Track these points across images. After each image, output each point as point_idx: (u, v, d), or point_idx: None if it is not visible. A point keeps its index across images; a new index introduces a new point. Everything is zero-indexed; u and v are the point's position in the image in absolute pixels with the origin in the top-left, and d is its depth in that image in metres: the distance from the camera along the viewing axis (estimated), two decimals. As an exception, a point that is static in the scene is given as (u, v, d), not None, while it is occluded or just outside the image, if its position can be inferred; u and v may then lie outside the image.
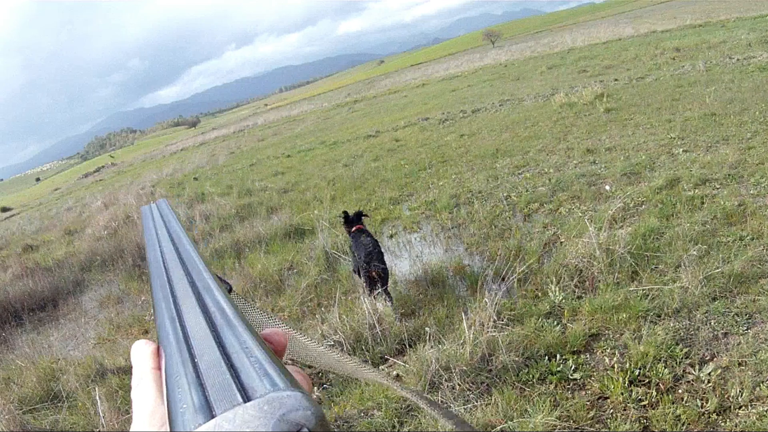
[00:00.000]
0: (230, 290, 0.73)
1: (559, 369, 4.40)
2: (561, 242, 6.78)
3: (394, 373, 4.96)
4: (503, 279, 6.10)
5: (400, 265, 7.77)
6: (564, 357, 4.55)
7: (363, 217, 7.15)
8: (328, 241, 8.77)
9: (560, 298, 5.43)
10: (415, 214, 9.66)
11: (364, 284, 6.30)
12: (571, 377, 4.32)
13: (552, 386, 4.26)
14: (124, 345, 7.52)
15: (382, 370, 5.14)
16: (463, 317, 4.99)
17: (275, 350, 0.56)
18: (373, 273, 6.16)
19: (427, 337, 5.05)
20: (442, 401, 4.30)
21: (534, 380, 4.37)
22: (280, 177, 18.06)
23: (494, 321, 4.99)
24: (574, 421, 3.86)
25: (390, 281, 6.59)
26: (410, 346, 5.26)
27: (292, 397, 0.39)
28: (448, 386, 4.44)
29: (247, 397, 0.40)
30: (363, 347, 5.48)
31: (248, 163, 24.59)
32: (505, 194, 9.14)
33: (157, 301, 0.65)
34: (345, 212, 7.20)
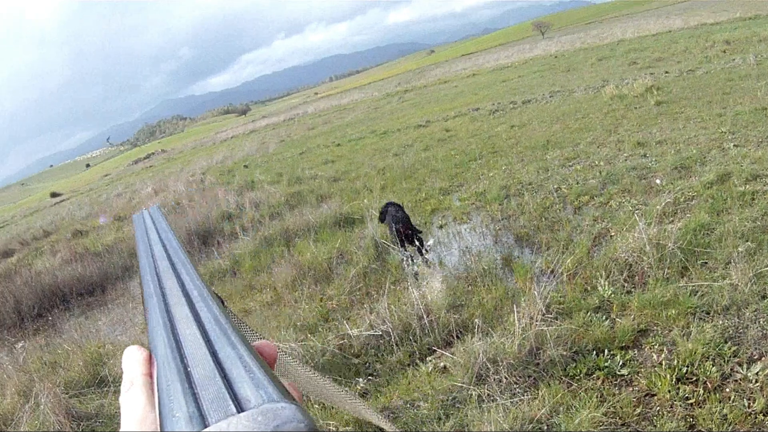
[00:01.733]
0: (222, 302, 0.74)
1: (606, 364, 4.40)
2: (611, 236, 6.75)
3: (442, 364, 5.03)
4: (552, 272, 6.07)
5: (450, 256, 7.84)
6: (612, 352, 4.54)
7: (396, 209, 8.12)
8: (378, 230, 8.82)
9: (609, 292, 5.42)
10: (465, 205, 9.70)
11: (397, 242, 7.60)
12: (618, 373, 4.31)
13: (599, 382, 4.26)
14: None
15: (421, 365, 5.21)
16: (514, 310, 5.00)
17: (266, 362, 0.52)
18: (401, 229, 7.54)
19: (475, 329, 5.05)
20: (488, 394, 4.33)
21: (581, 375, 4.37)
22: (330, 165, 18.19)
23: (543, 314, 4.99)
24: (620, 418, 3.86)
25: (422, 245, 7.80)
26: (458, 337, 5.31)
27: (287, 408, 0.41)
28: (494, 379, 4.45)
29: (240, 408, 0.41)
30: (411, 338, 5.53)
31: (298, 151, 24.78)
32: (555, 186, 9.12)
33: (149, 309, 0.66)
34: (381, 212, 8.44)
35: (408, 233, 7.77)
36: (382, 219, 8.48)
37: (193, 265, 0.75)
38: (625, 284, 5.56)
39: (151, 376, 0.56)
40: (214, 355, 0.49)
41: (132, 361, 0.59)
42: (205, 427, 0.40)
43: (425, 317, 5.57)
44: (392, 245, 7.97)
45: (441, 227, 8.98)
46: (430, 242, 8.30)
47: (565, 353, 4.57)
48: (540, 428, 3.93)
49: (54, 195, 68.41)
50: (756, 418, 3.63)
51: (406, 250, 7.76)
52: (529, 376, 4.50)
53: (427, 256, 7.90)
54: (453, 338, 5.37)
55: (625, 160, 9.66)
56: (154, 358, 0.55)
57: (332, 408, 4.82)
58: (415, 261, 7.72)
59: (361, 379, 5.16)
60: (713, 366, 4.06)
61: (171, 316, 0.60)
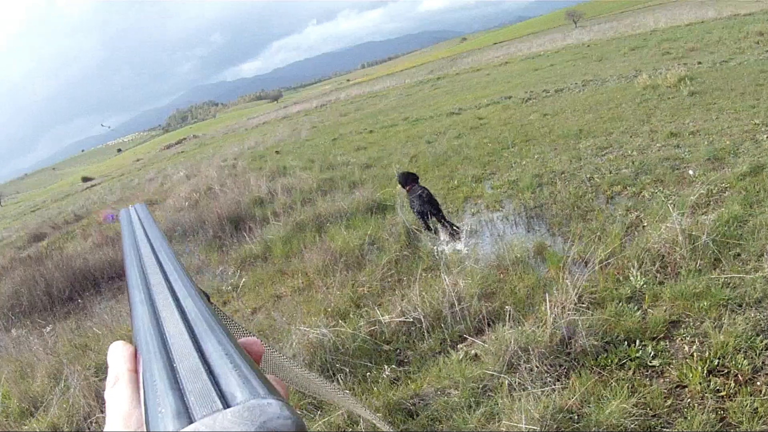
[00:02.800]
0: (208, 299, 0.73)
1: (638, 355, 4.40)
2: (643, 226, 6.72)
3: (473, 352, 5.07)
4: (585, 261, 6.11)
5: (482, 244, 7.89)
6: (643, 343, 4.54)
7: (415, 177, 8.85)
8: (410, 217, 8.86)
9: (641, 282, 5.41)
10: (498, 193, 9.72)
11: (421, 219, 8.29)
12: (649, 364, 4.31)
13: (630, 372, 4.27)
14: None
15: (444, 354, 5.26)
16: (546, 299, 5.02)
17: (253, 359, 0.52)
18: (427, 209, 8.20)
19: (507, 318, 5.08)
20: (519, 382, 4.35)
21: (612, 365, 4.38)
22: (362, 152, 18.27)
23: (575, 304, 5.00)
24: (650, 409, 3.87)
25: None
26: (489, 325, 5.36)
27: (273, 405, 0.41)
28: (526, 368, 4.45)
29: (226, 404, 0.41)
30: (442, 325, 5.57)
31: (330, 137, 24.88)
32: (588, 175, 9.10)
33: (134, 305, 0.66)
34: (398, 176, 9.08)
35: (434, 212, 8.29)
36: (403, 183, 8.90)
37: (179, 261, 0.75)
38: (658, 275, 5.54)
39: (136, 371, 0.56)
40: (199, 350, 0.50)
41: (117, 356, 0.59)
42: (191, 423, 0.41)
43: (457, 305, 5.61)
44: (419, 228, 8.39)
45: (473, 215, 9.01)
46: (463, 225, 8.41)
47: (596, 343, 4.59)
48: (570, 418, 3.95)
49: (85, 179, 69.18)
50: (787, 411, 3.63)
51: (426, 226, 8.32)
52: (560, 366, 4.53)
53: (451, 231, 8.28)
54: (484, 326, 5.42)
55: (658, 150, 9.61)
56: (140, 354, 0.56)
57: (362, 394, 4.90)
58: (442, 234, 8.21)
59: (387, 366, 5.18)
60: (745, 359, 4.05)
61: (157, 312, 0.61)
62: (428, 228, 8.32)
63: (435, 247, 7.75)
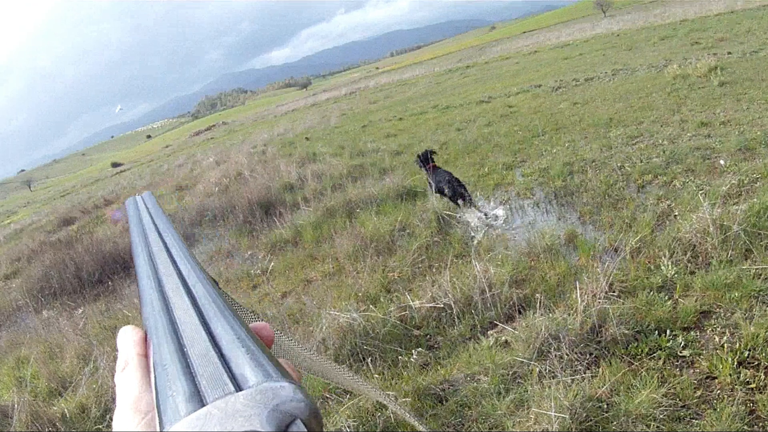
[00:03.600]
0: (216, 285, 0.71)
1: (668, 345, 4.38)
2: (674, 215, 6.68)
3: (503, 339, 5.09)
4: (616, 250, 6.12)
5: (513, 232, 7.89)
6: (674, 333, 4.53)
7: (433, 155, 9.65)
8: (441, 203, 8.89)
9: (672, 272, 5.38)
10: (528, 181, 9.71)
11: (450, 197, 8.82)
12: (680, 354, 4.30)
13: (660, 362, 4.25)
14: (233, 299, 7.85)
15: (477, 339, 5.29)
16: (577, 286, 5.03)
17: (264, 342, 0.54)
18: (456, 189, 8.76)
19: (538, 305, 5.11)
20: (549, 370, 4.38)
21: (643, 355, 4.38)
22: (392, 139, 18.31)
23: (606, 292, 5.01)
24: (680, 400, 3.86)
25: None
26: (520, 312, 5.39)
27: (286, 388, 0.41)
28: (556, 355, 4.46)
29: (239, 387, 0.42)
30: (473, 311, 5.59)
31: (360, 124, 24.96)
32: (618, 164, 9.05)
33: (143, 290, 0.67)
34: (417, 155, 9.84)
35: (461, 192, 8.78)
36: (422, 161, 9.67)
37: (187, 247, 0.76)
38: (689, 264, 5.51)
39: (146, 356, 0.57)
40: (210, 334, 0.51)
41: (127, 340, 0.60)
42: (203, 406, 0.41)
43: (487, 291, 5.63)
44: (451, 213, 8.60)
45: (504, 202, 9.00)
46: (500, 212, 8.60)
47: (627, 332, 4.58)
48: (599, 407, 3.96)
49: (115, 165, 69.90)
50: (818, 404, 3.62)
51: (456, 202, 8.83)
52: (590, 354, 4.54)
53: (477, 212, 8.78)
54: (515, 313, 5.44)
55: (689, 139, 9.53)
56: (150, 339, 0.56)
57: (392, 378, 4.95)
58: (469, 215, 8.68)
59: (417, 351, 5.22)
60: (775, 351, 4.04)
61: (166, 297, 0.62)
62: (455, 201, 8.83)
63: (472, 224, 7.87)
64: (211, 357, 0.46)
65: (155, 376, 0.49)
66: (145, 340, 0.58)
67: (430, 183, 9.46)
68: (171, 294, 0.62)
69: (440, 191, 9.11)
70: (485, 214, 8.57)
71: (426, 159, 9.63)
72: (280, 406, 0.40)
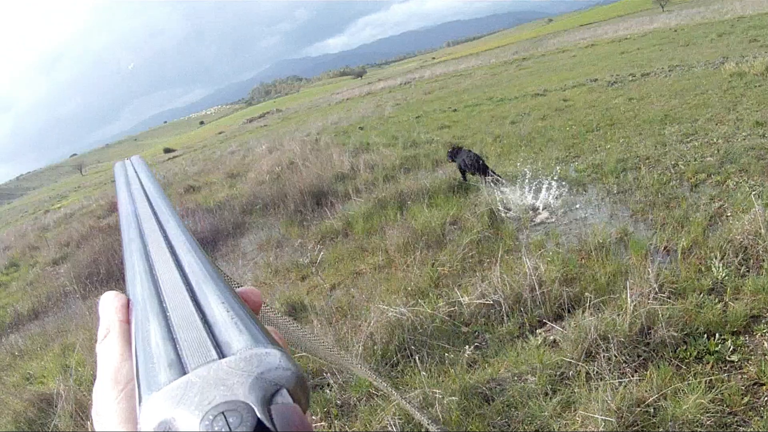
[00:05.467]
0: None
1: (717, 349, 4.36)
2: (727, 216, 6.60)
3: (551, 338, 5.10)
4: (667, 250, 6.08)
5: (565, 228, 7.89)
6: (723, 337, 4.49)
7: (459, 148, 10.93)
8: (494, 197, 8.89)
9: (723, 274, 5.32)
10: (582, 177, 9.65)
11: (475, 172, 10.24)
12: (728, 359, 4.27)
13: (708, 366, 4.22)
14: (281, 290, 7.91)
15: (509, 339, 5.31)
16: (628, 286, 5.03)
17: (251, 308, 0.51)
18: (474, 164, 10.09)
19: (587, 304, 5.12)
20: (596, 371, 4.38)
21: (691, 358, 4.35)
22: (446, 131, 18.31)
23: (656, 293, 5.00)
24: (727, 406, 3.83)
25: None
26: (569, 311, 5.39)
27: (271, 354, 0.41)
28: (604, 357, 4.46)
29: (222, 354, 0.41)
30: (521, 309, 5.60)
31: (414, 115, 24.97)
32: (672, 162, 8.96)
33: (127, 255, 0.66)
34: (448, 151, 11.22)
35: (484, 167, 10.06)
36: (452, 158, 10.90)
37: (175, 212, 0.74)
38: (740, 267, 5.45)
39: (129, 323, 0.56)
40: (194, 299, 0.50)
41: (108, 307, 0.58)
42: (184, 374, 0.40)
43: (537, 288, 5.63)
44: (505, 209, 8.80)
45: (557, 198, 8.98)
46: (551, 204, 8.68)
47: (675, 334, 4.55)
48: (647, 411, 3.95)
49: (167, 151, 70.72)
50: None
51: (483, 178, 10.06)
52: (638, 356, 4.52)
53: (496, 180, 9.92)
54: (564, 312, 5.44)
55: (744, 139, 9.37)
56: (132, 304, 0.56)
57: (438, 376, 4.99)
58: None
59: (468, 348, 5.25)
60: (824, 359, 3.99)
61: (150, 262, 0.61)
62: (482, 175, 10.13)
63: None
64: (194, 322, 0.46)
65: (135, 343, 0.49)
66: (128, 306, 0.58)
67: (463, 162, 10.54)
68: (155, 258, 0.61)
69: (463, 166, 10.46)
70: (533, 208, 8.73)
71: (454, 153, 10.84)
72: (264, 374, 0.39)
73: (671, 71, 19.35)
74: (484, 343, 5.39)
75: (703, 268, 5.60)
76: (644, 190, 8.15)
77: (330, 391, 5.13)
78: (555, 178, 8.92)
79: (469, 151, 10.60)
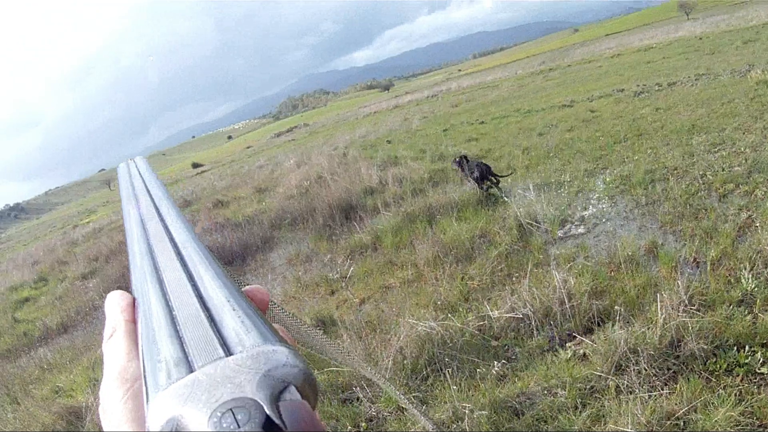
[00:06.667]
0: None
1: (746, 361, 4.34)
2: (756, 226, 6.55)
3: (581, 351, 5.11)
4: (696, 262, 6.08)
5: (594, 240, 7.90)
6: (753, 349, 4.47)
7: (465, 159, 11.61)
8: (522, 210, 8.87)
9: (752, 285, 5.29)
10: (610, 188, 9.61)
11: (478, 179, 10.85)
12: (758, 371, 4.26)
13: (738, 379, 4.22)
14: (310, 304, 8.04)
15: (556, 349, 5.34)
16: (658, 299, 5.03)
17: (258, 307, 0.52)
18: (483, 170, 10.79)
19: (617, 317, 5.15)
20: (627, 385, 4.41)
21: (721, 371, 4.34)
22: (473, 143, 18.29)
23: (685, 305, 5.00)
24: (757, 419, 3.84)
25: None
26: (599, 325, 5.41)
27: (279, 352, 0.41)
28: (634, 370, 4.48)
29: (229, 352, 0.41)
30: (551, 322, 5.63)
31: (441, 128, 24.97)
32: (700, 172, 8.89)
33: (132, 255, 0.67)
34: (454, 159, 12.10)
35: (488, 174, 10.80)
36: (460, 165, 11.62)
37: (179, 211, 0.75)
38: (770, 278, 5.45)
39: (135, 322, 0.56)
40: (200, 298, 0.50)
41: (114, 306, 0.59)
42: (191, 372, 0.40)
43: (567, 302, 5.67)
44: (531, 222, 8.65)
45: (585, 209, 8.99)
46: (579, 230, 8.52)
47: (705, 347, 4.56)
48: (677, 424, 3.97)
49: (195, 165, 71.20)
50: None
51: (481, 186, 10.83)
52: (668, 369, 4.53)
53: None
54: (594, 325, 5.46)
55: (772, 148, 9.35)
56: (138, 303, 0.56)
57: (468, 390, 5.04)
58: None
59: (496, 363, 5.27)
60: None
61: (155, 261, 0.61)
62: (481, 187, 10.88)
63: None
64: (200, 320, 0.46)
65: (142, 342, 0.50)
66: (134, 305, 0.58)
67: (466, 174, 11.38)
68: (160, 257, 0.62)
69: (471, 174, 11.07)
70: (563, 221, 8.75)
71: (461, 162, 11.55)
72: (272, 371, 0.39)
73: (697, 80, 19.23)
74: (513, 357, 5.42)
75: (732, 280, 5.58)
76: (672, 201, 8.12)
77: (359, 404, 5.19)
78: (585, 191, 8.93)
79: (478, 161, 11.45)
